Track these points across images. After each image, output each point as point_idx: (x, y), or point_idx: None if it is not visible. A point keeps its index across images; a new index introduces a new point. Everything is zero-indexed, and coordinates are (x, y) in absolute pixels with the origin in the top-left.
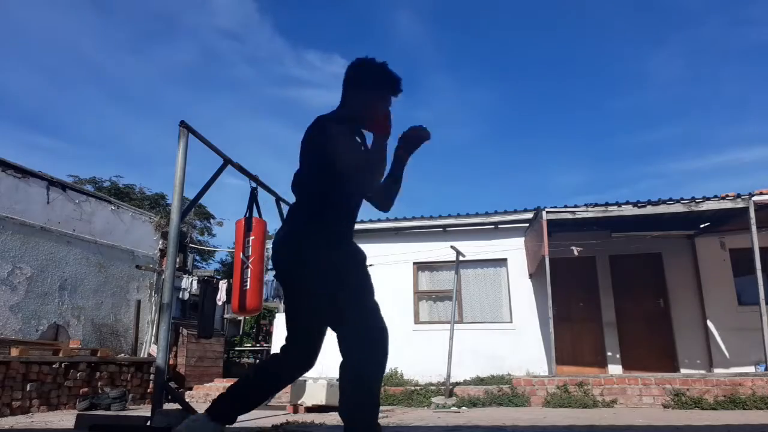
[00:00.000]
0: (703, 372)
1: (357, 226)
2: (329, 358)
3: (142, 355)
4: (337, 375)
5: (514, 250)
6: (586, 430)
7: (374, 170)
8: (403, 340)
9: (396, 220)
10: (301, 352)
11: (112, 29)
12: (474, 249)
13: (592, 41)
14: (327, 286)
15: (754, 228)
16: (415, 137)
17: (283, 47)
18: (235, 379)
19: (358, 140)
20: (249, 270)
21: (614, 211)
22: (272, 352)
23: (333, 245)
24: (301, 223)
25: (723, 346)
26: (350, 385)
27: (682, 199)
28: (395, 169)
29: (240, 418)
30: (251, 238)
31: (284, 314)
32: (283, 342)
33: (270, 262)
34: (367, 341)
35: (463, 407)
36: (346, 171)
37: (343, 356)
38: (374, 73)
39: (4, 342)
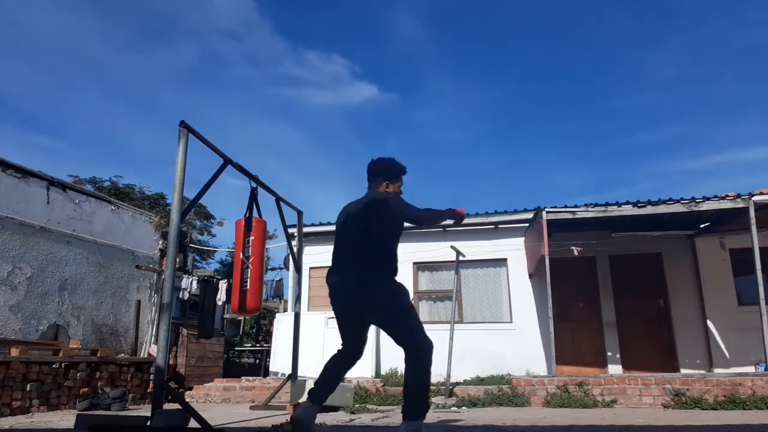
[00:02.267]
0: (703, 372)
1: None
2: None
3: (142, 355)
4: None
5: (514, 250)
6: (586, 430)
7: (430, 219)
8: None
9: None
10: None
11: (112, 29)
12: (474, 249)
13: (592, 41)
14: (400, 302)
15: (754, 228)
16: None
17: (283, 47)
18: (235, 379)
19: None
20: (249, 270)
21: (614, 211)
22: (272, 352)
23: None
24: (373, 268)
25: (723, 346)
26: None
27: (682, 199)
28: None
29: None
30: (251, 238)
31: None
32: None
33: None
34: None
35: (463, 407)
36: (422, 216)
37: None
38: (397, 166)
39: (4, 342)
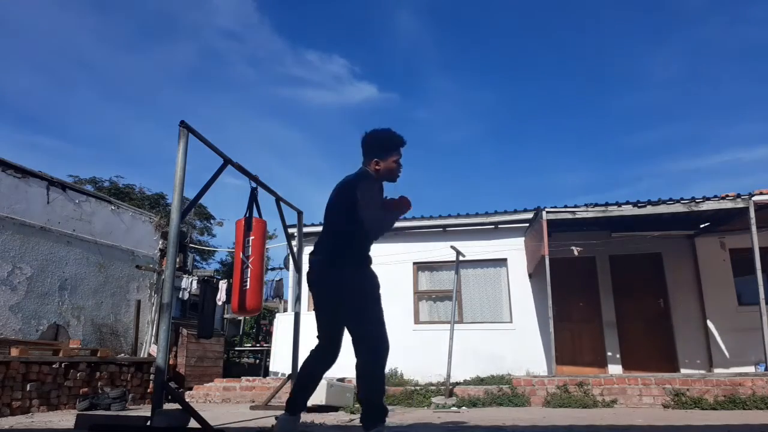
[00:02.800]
0: (703, 372)
1: None
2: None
3: (142, 355)
4: (337, 376)
5: (514, 250)
6: (585, 430)
7: (382, 230)
8: (403, 340)
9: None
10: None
11: (112, 28)
12: (474, 249)
13: (592, 41)
14: (353, 299)
15: (754, 228)
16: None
17: (282, 47)
18: (235, 379)
19: (379, 192)
20: (249, 270)
21: (614, 211)
22: (272, 352)
23: (357, 268)
24: (332, 251)
25: (723, 346)
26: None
27: (682, 199)
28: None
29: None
30: (251, 238)
31: (316, 320)
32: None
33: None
34: (377, 344)
35: (463, 407)
36: (367, 221)
37: (357, 354)
38: (389, 138)
39: (4, 342)
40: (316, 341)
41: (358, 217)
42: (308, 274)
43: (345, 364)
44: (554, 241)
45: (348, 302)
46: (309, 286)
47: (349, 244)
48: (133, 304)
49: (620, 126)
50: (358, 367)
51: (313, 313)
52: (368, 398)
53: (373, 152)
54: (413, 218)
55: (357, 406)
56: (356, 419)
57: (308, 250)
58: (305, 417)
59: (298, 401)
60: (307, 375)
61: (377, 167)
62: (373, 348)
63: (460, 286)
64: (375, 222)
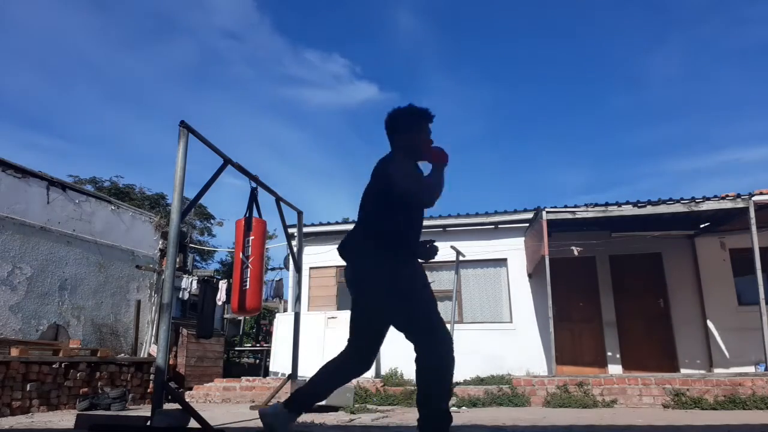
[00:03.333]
0: (703, 372)
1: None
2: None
3: (142, 355)
4: None
5: (514, 250)
6: (585, 430)
7: (434, 190)
8: (403, 340)
9: None
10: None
11: (112, 28)
12: (474, 249)
13: (591, 40)
14: (399, 297)
15: (754, 228)
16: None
17: (282, 46)
18: (235, 379)
19: (414, 166)
20: (249, 270)
21: (614, 211)
22: (272, 352)
23: (402, 265)
24: (375, 251)
25: (723, 346)
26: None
27: (682, 199)
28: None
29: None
30: (251, 238)
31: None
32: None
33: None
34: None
35: (463, 407)
36: (411, 191)
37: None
38: (408, 114)
39: (4, 342)
40: (337, 346)
41: (402, 192)
42: (346, 271)
43: None
44: (554, 241)
45: (396, 301)
46: (349, 284)
47: (391, 234)
48: (133, 304)
49: (620, 126)
50: (418, 363)
51: (349, 314)
52: (427, 402)
53: (398, 132)
54: None
55: (357, 406)
56: (356, 419)
57: (308, 250)
58: (305, 417)
59: (306, 404)
60: (329, 385)
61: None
62: (438, 341)
63: (460, 286)
64: (424, 187)
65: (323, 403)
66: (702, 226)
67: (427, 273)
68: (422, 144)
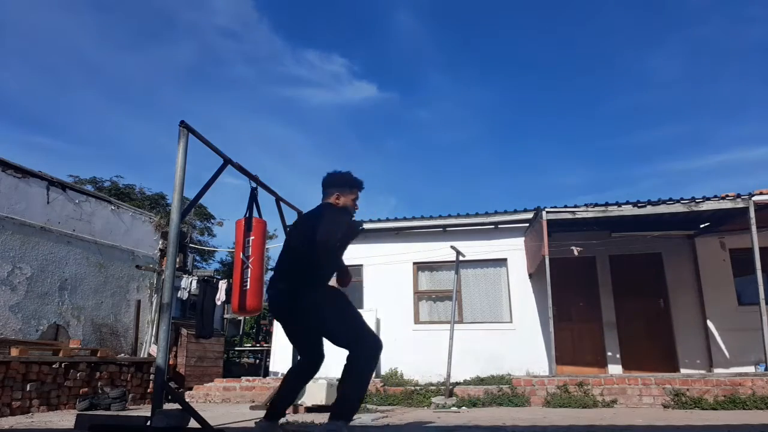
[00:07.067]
0: (703, 372)
1: None
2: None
3: (142, 355)
4: (337, 376)
5: (514, 250)
6: (586, 430)
7: (330, 255)
8: (403, 340)
9: (396, 220)
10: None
11: (111, 28)
12: (474, 249)
13: (591, 40)
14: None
15: (754, 228)
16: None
17: (282, 46)
18: (235, 379)
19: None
20: (249, 270)
21: (614, 211)
22: (272, 352)
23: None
24: (301, 279)
25: (723, 346)
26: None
27: (682, 199)
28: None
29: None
30: (251, 238)
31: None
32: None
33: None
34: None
35: (463, 407)
36: (327, 250)
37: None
38: (348, 177)
39: (4, 342)
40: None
41: (321, 239)
42: (274, 302)
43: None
44: (554, 241)
45: (328, 317)
46: (277, 314)
47: (319, 267)
48: (133, 304)
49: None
50: (348, 360)
51: (287, 338)
52: (345, 393)
53: (336, 187)
54: (413, 218)
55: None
56: (356, 419)
57: None
58: (305, 417)
59: (278, 409)
60: (291, 389)
61: (337, 201)
62: (365, 346)
63: (460, 286)
64: (330, 247)
65: (323, 403)
66: (702, 226)
67: (428, 273)
68: (352, 204)
